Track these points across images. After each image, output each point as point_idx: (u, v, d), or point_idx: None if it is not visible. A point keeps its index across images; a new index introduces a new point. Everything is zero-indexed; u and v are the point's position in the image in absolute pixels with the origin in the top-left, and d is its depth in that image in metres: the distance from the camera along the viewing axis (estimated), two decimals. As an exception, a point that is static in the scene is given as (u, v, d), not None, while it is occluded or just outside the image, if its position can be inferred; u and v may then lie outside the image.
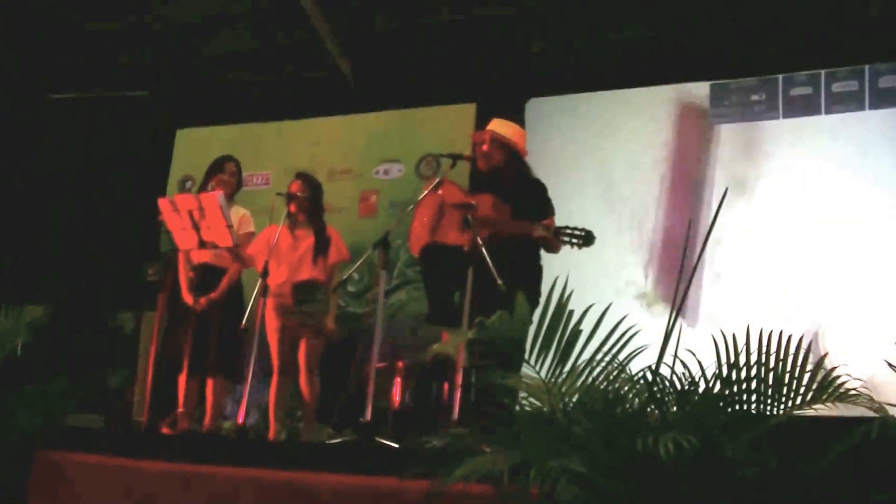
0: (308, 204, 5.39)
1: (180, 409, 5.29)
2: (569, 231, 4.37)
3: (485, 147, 4.79)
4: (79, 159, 8.47)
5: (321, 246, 5.35)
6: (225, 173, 5.56)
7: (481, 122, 6.23)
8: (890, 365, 2.51)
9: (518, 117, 7.07)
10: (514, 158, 4.83)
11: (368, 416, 4.47)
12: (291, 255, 5.34)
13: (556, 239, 4.42)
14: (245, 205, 5.79)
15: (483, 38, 7.44)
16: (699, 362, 2.43)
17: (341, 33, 7.63)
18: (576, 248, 4.38)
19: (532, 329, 2.64)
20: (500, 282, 4.14)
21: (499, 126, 4.86)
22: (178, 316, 5.44)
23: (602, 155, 6.92)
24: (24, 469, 4.34)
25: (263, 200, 5.89)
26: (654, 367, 2.45)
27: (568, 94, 7.18)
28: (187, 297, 5.39)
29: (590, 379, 2.53)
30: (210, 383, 5.35)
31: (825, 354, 2.40)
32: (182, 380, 5.32)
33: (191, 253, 5.41)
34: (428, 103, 7.58)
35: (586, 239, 4.35)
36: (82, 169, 8.41)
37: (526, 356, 2.61)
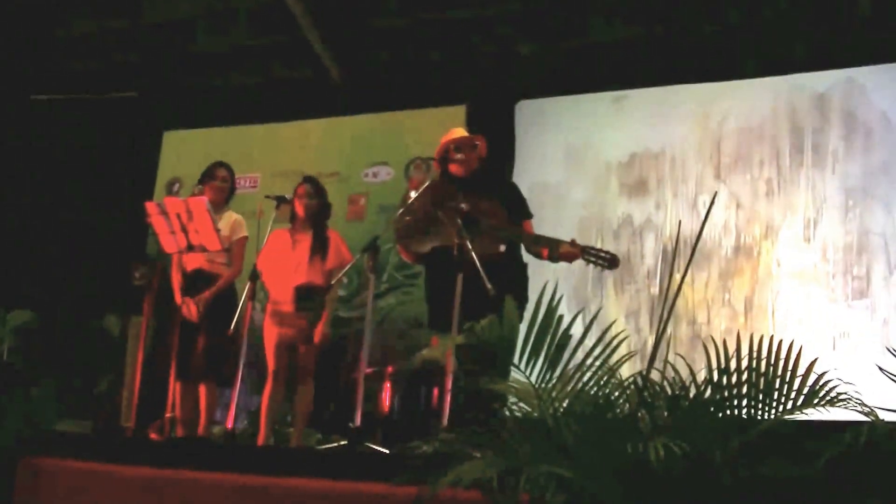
0: (315, 208, 5.39)
1: (168, 414, 5.26)
2: (594, 251, 4.46)
3: (463, 154, 4.81)
4: (65, 162, 8.42)
5: (317, 247, 5.33)
6: (216, 179, 5.54)
7: (471, 124, 6.24)
8: (881, 370, 2.51)
9: (508, 119, 7.11)
10: (485, 164, 4.89)
11: (358, 421, 4.45)
12: (289, 259, 5.32)
13: (579, 256, 4.49)
14: (233, 208, 5.75)
15: (472, 40, 7.44)
16: (689, 367, 2.42)
17: (329, 35, 7.61)
18: (599, 269, 4.45)
19: (521, 333, 2.63)
20: (489, 286, 4.14)
21: (461, 133, 4.93)
22: (169, 321, 5.42)
23: (593, 157, 6.91)
24: (8, 476, 4.30)
25: (251, 204, 5.85)
26: (644, 371, 2.44)
27: (558, 97, 7.17)
28: (184, 309, 5.34)
29: (580, 384, 2.51)
30: (202, 389, 5.32)
31: (815, 359, 2.39)
32: (177, 386, 5.29)
33: (184, 259, 5.38)
34: (417, 106, 7.56)
35: (611, 262, 4.45)
36: (68, 171, 8.37)
37: (515, 360, 2.59)
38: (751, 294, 6.14)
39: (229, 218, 5.49)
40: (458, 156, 4.82)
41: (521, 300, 4.18)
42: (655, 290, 6.36)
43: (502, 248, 4.60)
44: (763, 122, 6.45)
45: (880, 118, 6.14)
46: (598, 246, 4.60)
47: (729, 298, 6.17)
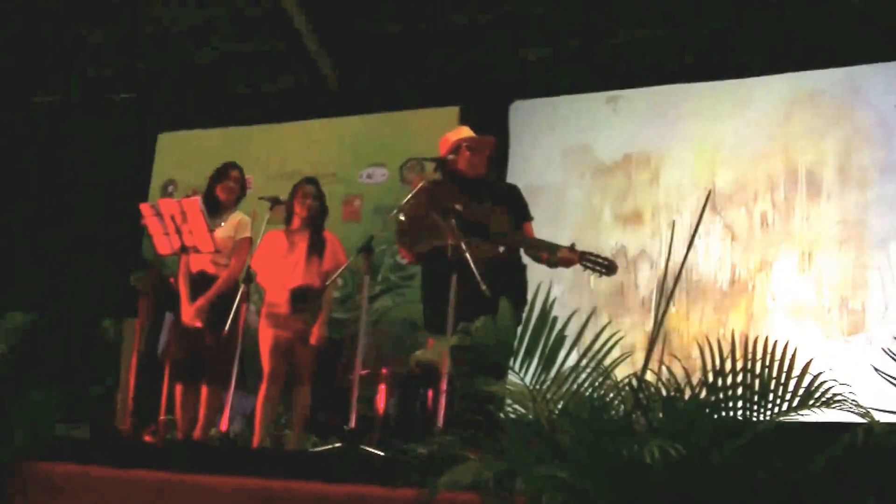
0: (317, 210, 5.37)
1: (163, 417, 5.25)
2: (592, 258, 4.47)
3: (469, 153, 4.79)
4: (60, 163, 8.41)
5: (315, 248, 5.32)
6: (230, 180, 5.53)
7: (465, 125, 6.23)
8: (877, 370, 2.51)
9: (501, 121, 7.11)
10: (489, 166, 4.90)
11: (353, 423, 4.45)
12: (286, 260, 5.30)
13: (577, 262, 4.49)
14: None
15: (467, 41, 7.44)
16: (685, 368, 2.42)
17: (325, 37, 7.61)
18: (596, 275, 4.46)
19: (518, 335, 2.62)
20: (484, 287, 4.14)
21: (470, 133, 4.92)
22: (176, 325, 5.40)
23: (586, 159, 6.90)
24: (3, 479, 4.28)
25: (246, 205, 5.85)
26: (639, 373, 2.44)
27: (552, 97, 7.17)
28: (186, 315, 5.29)
29: (575, 386, 2.51)
30: (204, 392, 5.30)
31: (811, 360, 2.39)
32: (178, 389, 5.28)
33: (190, 261, 5.36)
34: (411, 107, 7.56)
35: (609, 268, 4.45)
36: (63, 173, 8.36)
37: (511, 362, 2.59)
38: (746, 329, 6.08)
39: (235, 218, 5.48)
40: (469, 154, 4.80)
41: (520, 302, 4.17)
42: (651, 324, 6.25)
43: (501, 248, 4.59)
44: (758, 148, 6.40)
45: (878, 124, 6.12)
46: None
47: (724, 333, 6.11)
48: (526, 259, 4.81)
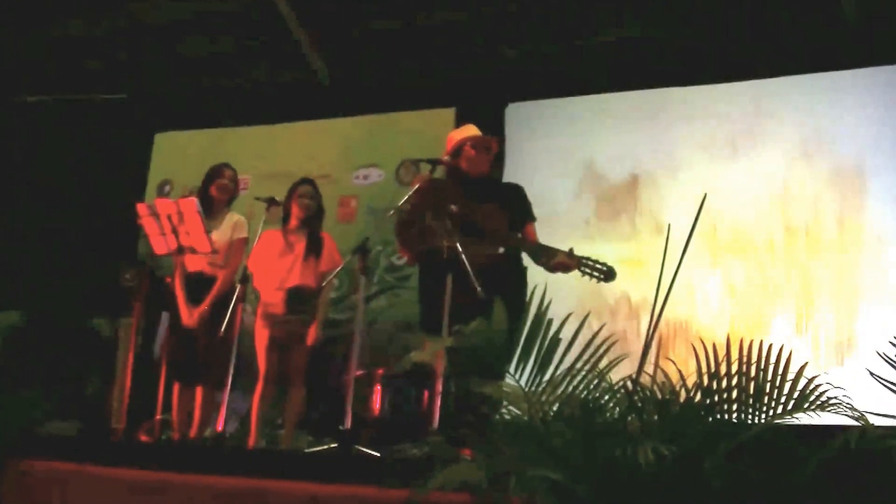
0: (314, 210, 5.38)
1: (158, 417, 5.24)
2: (590, 263, 4.42)
3: (473, 152, 4.78)
4: (56, 163, 8.40)
5: (312, 248, 5.32)
6: (224, 178, 5.53)
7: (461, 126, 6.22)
8: (871, 374, 2.52)
9: (497, 122, 7.10)
10: (492, 165, 4.88)
11: (348, 424, 4.45)
12: (283, 260, 5.29)
13: (575, 267, 4.45)
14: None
15: (462, 42, 7.43)
16: (679, 371, 2.42)
17: (319, 38, 7.61)
18: (594, 280, 4.41)
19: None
20: (479, 289, 4.13)
21: (476, 132, 4.88)
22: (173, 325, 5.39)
23: (582, 161, 6.90)
24: (-1, 477, 4.28)
25: (241, 206, 5.84)
26: (634, 376, 2.44)
27: (548, 99, 7.16)
28: (185, 315, 5.27)
29: (570, 388, 2.51)
30: (199, 392, 5.29)
31: (805, 363, 2.40)
32: (175, 388, 5.27)
33: (186, 262, 5.35)
34: (407, 108, 7.56)
35: (608, 275, 4.41)
36: (59, 173, 8.34)
37: (506, 364, 2.59)
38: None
39: (231, 219, 5.48)
40: (473, 153, 4.78)
41: (519, 304, 4.15)
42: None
43: (501, 249, 4.57)
44: (757, 195, 6.34)
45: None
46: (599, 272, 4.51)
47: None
48: (527, 261, 4.77)
